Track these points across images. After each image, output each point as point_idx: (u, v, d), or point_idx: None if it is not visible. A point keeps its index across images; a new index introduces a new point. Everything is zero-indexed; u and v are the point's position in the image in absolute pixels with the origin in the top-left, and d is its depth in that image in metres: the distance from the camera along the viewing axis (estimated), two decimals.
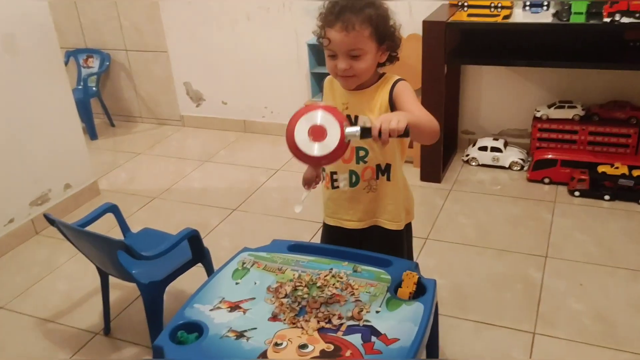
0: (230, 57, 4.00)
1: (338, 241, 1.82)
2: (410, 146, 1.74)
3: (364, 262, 1.70)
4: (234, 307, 1.54)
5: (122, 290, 2.45)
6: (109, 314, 2.26)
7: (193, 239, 2.06)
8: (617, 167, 2.85)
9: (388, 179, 1.70)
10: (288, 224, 2.93)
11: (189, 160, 3.82)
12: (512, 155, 3.28)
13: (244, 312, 1.52)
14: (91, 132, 4.22)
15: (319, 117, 1.34)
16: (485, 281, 2.39)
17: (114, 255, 1.88)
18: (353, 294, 1.56)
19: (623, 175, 2.83)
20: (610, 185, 2.88)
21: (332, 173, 1.72)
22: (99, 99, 4.36)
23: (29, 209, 2.97)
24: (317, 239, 2.72)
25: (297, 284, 1.62)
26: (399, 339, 1.39)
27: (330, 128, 1.33)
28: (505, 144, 3.33)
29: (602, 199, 2.89)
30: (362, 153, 1.66)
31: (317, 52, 3.55)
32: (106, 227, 2.37)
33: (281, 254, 1.78)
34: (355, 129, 1.35)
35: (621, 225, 2.71)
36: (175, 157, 3.91)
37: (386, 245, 1.81)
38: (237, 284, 1.64)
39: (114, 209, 2.25)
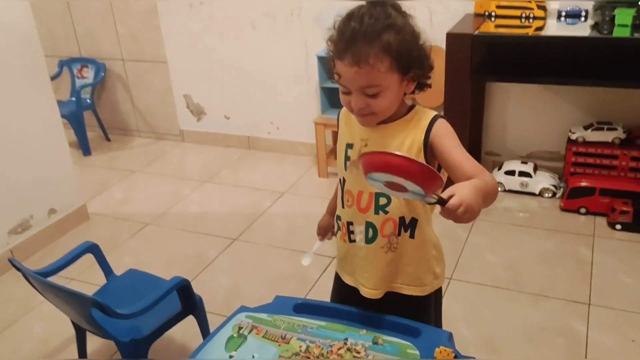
0: (234, 69, 3.71)
1: (354, 302, 1.52)
2: None
3: (386, 329, 1.40)
4: None
5: (102, 340, 2.15)
6: None
7: (183, 288, 1.77)
8: None
9: (412, 236, 1.38)
10: (293, 257, 2.62)
11: (188, 180, 3.53)
12: (543, 180, 2.96)
13: None
14: (84, 147, 3.94)
15: (400, 181, 1.06)
16: (521, 333, 2.08)
17: (87, 313, 1.59)
18: None
19: None
20: None
21: (349, 224, 1.42)
22: (94, 111, 4.08)
23: (7, 237, 2.68)
24: (326, 277, 2.42)
25: (305, 359, 1.32)
26: None
27: (410, 187, 1.06)
28: (535, 168, 3.01)
29: None
30: (383, 201, 1.34)
31: (328, 65, 3.25)
32: (89, 262, 2.06)
33: (285, 316, 1.47)
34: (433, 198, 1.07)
35: None
36: (174, 176, 3.62)
37: (407, 314, 1.50)
38: (231, 358, 1.34)
39: (94, 249, 1.95)
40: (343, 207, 1.41)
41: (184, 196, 3.31)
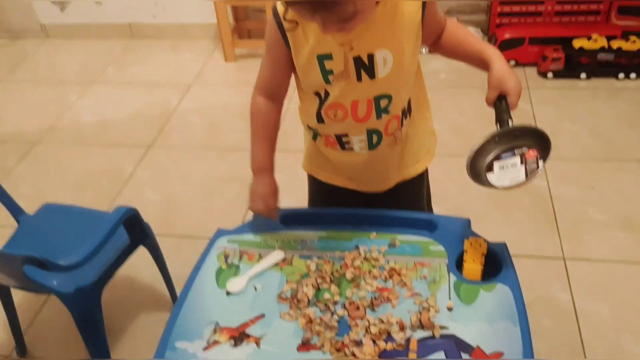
0: None
1: (346, 203, 1.31)
2: None
3: (397, 227, 1.21)
4: (239, 336, 1.02)
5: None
6: (20, 329, 1.63)
7: (129, 219, 1.44)
8: (595, 40, 2.49)
9: (411, 115, 1.18)
10: (224, 158, 2.32)
11: (69, 84, 2.97)
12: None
13: (258, 344, 1.00)
14: None
15: None
16: (487, 200, 2.01)
17: (19, 272, 1.23)
18: (404, 285, 1.09)
19: (602, 49, 2.49)
20: (586, 62, 2.54)
21: (340, 136, 1.16)
22: None
23: None
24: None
25: (319, 280, 1.11)
26: (502, 353, 0.96)
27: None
28: None
29: (579, 78, 2.56)
30: (384, 103, 1.10)
31: None
32: None
33: (275, 232, 1.23)
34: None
35: (610, 108, 2.41)
36: (49, 81, 3.04)
37: (405, 197, 1.33)
38: (228, 294, 1.10)
39: None
40: (323, 122, 1.14)
41: (71, 103, 2.79)
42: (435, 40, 1.16)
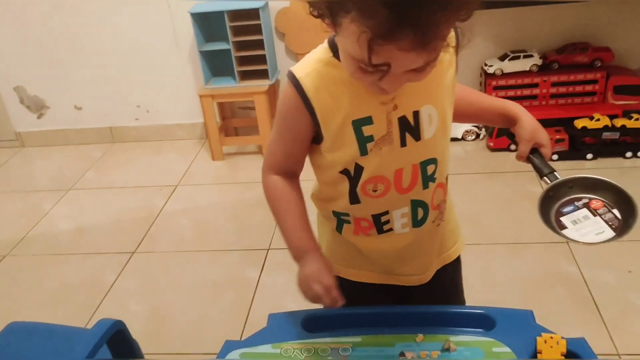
0: (79, 46, 2.98)
1: (373, 302, 1.09)
2: None
3: (447, 326, 0.99)
4: None
5: None
6: None
7: (115, 337, 1.19)
8: (597, 119, 2.42)
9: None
10: (216, 261, 2.09)
11: (43, 191, 2.77)
12: (465, 123, 2.75)
13: None
14: None
15: None
16: (516, 286, 1.81)
17: None
18: None
19: (606, 127, 2.41)
20: (591, 142, 2.45)
21: (379, 215, 0.97)
22: None
23: None
24: (265, 274, 1.95)
25: None
26: None
27: None
28: None
29: (585, 158, 2.46)
30: (431, 169, 0.94)
31: (204, 23, 2.69)
32: None
33: (297, 341, 0.99)
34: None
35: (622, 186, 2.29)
36: (22, 190, 2.83)
37: (444, 288, 1.14)
38: None
39: None
40: (359, 202, 0.95)
41: (45, 212, 2.57)
42: None
